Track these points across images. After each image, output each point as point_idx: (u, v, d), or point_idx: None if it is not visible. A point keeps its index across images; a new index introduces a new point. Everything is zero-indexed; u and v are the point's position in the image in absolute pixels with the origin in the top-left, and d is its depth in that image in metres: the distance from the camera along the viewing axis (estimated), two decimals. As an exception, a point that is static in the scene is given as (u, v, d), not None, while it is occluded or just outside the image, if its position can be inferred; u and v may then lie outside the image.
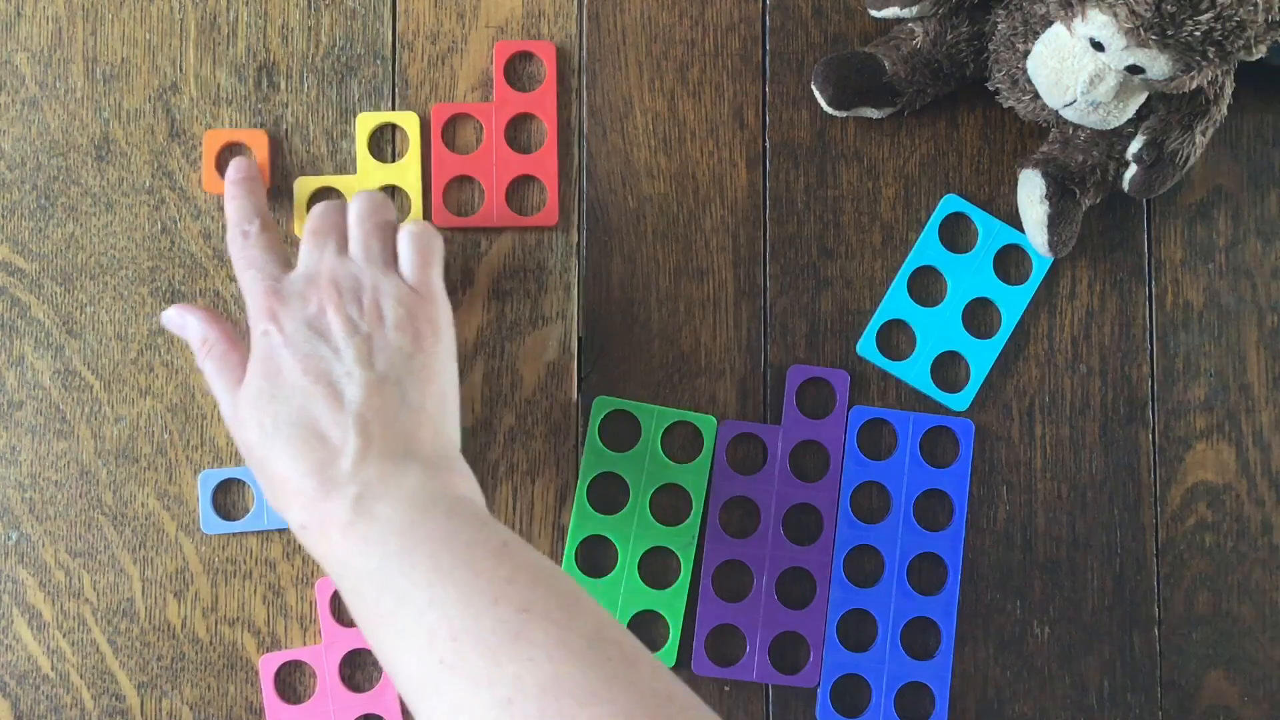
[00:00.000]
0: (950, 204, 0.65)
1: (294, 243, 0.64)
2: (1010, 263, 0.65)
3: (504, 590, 0.49)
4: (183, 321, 0.59)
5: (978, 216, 0.65)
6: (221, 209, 0.63)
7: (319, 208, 0.59)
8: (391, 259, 0.58)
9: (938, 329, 0.65)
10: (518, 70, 0.66)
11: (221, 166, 0.64)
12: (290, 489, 0.52)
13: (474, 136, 0.65)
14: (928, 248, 0.65)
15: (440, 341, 0.56)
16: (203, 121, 0.65)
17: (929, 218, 0.65)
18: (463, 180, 0.65)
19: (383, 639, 0.51)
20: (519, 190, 0.65)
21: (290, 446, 0.52)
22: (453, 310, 0.57)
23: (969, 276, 0.65)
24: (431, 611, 0.48)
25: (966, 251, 0.65)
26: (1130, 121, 0.59)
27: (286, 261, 0.58)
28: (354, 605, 0.52)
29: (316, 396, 0.53)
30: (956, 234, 0.66)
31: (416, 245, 0.58)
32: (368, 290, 0.56)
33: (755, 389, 0.65)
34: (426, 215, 0.65)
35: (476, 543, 0.50)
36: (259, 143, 0.64)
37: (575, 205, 0.65)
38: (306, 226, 0.59)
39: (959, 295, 0.65)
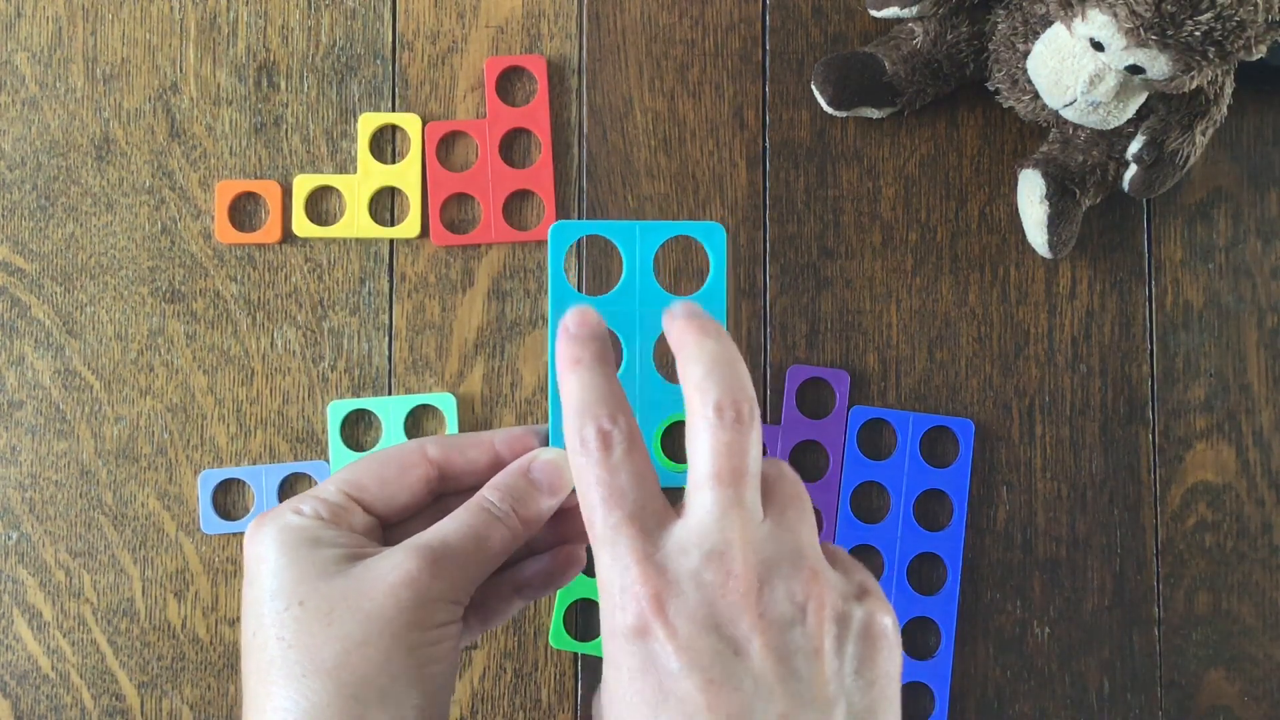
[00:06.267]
0: (562, 235, 0.44)
1: (295, 243, 0.64)
2: (682, 264, 0.61)
3: None
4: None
5: (606, 230, 0.45)
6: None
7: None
8: None
9: (638, 402, 0.46)
10: (511, 83, 0.66)
11: (235, 216, 0.64)
12: None
13: (469, 153, 0.65)
14: (566, 303, 0.43)
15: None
16: (203, 121, 0.65)
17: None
18: (460, 197, 0.65)
19: None
20: (516, 205, 0.65)
21: None
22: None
23: (638, 309, 0.45)
24: None
25: (613, 287, 0.45)
26: (1130, 121, 0.59)
27: (664, 505, 0.40)
28: None
29: None
30: (594, 268, 0.59)
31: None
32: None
33: (755, 389, 0.65)
34: (425, 231, 0.65)
35: None
36: (272, 194, 0.64)
37: (575, 205, 0.65)
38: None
39: (640, 337, 0.46)
